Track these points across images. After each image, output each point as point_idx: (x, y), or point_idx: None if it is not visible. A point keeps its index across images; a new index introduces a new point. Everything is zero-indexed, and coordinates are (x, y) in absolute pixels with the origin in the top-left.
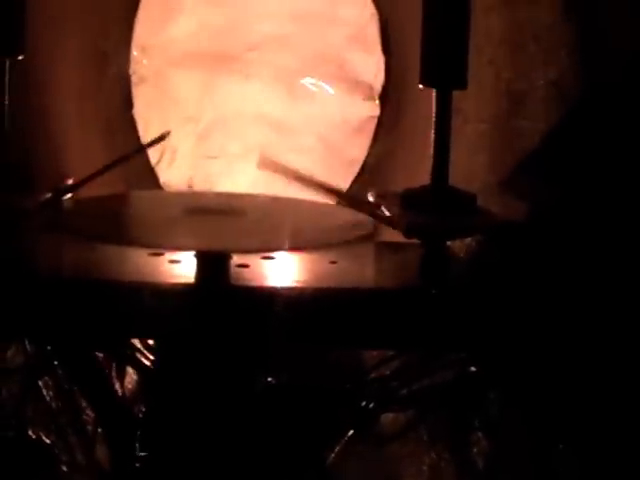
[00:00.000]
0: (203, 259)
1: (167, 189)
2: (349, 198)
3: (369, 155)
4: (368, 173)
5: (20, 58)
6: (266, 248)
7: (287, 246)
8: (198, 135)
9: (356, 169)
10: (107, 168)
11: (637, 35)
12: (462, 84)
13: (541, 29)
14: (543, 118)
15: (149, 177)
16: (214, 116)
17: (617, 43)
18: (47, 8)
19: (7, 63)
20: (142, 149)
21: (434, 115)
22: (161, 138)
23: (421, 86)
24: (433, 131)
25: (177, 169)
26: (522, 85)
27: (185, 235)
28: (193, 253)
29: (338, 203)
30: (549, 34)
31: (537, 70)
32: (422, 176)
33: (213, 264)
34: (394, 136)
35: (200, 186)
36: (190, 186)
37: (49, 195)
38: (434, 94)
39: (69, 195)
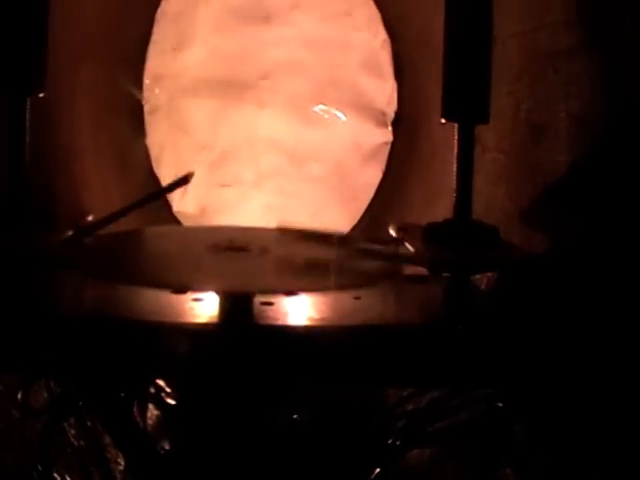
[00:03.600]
0: (227, 298)
1: (180, 217)
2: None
3: (383, 182)
4: (382, 199)
5: (41, 96)
6: (290, 289)
7: (311, 288)
8: (211, 163)
9: (370, 196)
10: (128, 209)
11: None
12: (484, 118)
13: (561, 60)
14: (564, 150)
15: (162, 205)
16: (227, 144)
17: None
18: (62, 42)
19: (28, 101)
20: (165, 191)
21: (456, 149)
22: (185, 180)
23: (443, 120)
24: (455, 165)
25: (190, 197)
26: (542, 116)
27: (208, 275)
28: (216, 292)
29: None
30: (570, 65)
31: (558, 101)
32: (437, 202)
33: (237, 303)
34: (408, 162)
35: (214, 214)
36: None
37: (70, 233)
38: (456, 128)
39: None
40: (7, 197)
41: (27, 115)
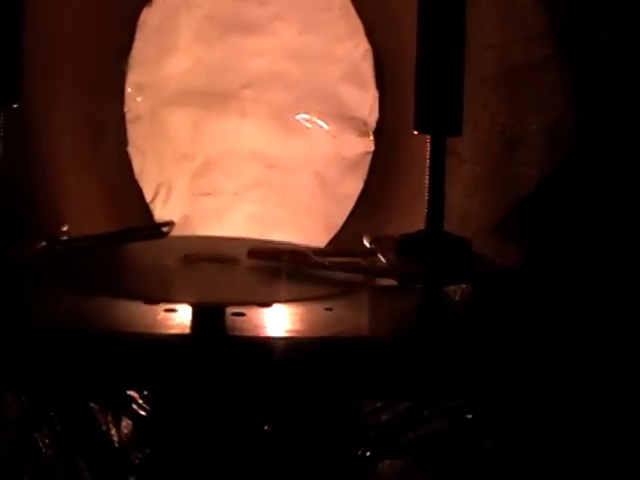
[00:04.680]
0: (199, 310)
1: None
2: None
3: (364, 191)
4: (363, 208)
5: (15, 106)
6: (261, 301)
7: (283, 299)
8: (193, 172)
9: (351, 205)
10: (108, 237)
11: (633, 81)
12: (457, 131)
13: (535, 73)
14: (537, 163)
15: (144, 214)
16: (209, 153)
17: (612, 89)
18: (39, 51)
19: (2, 111)
20: (150, 229)
21: (428, 160)
22: (168, 224)
23: (415, 132)
24: (427, 176)
25: (172, 206)
26: (516, 129)
27: (181, 287)
28: (189, 303)
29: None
30: (543, 78)
31: (531, 115)
32: (419, 212)
33: (209, 315)
34: (389, 172)
35: (195, 223)
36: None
37: (44, 244)
38: (428, 140)
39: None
40: None
41: (1, 125)
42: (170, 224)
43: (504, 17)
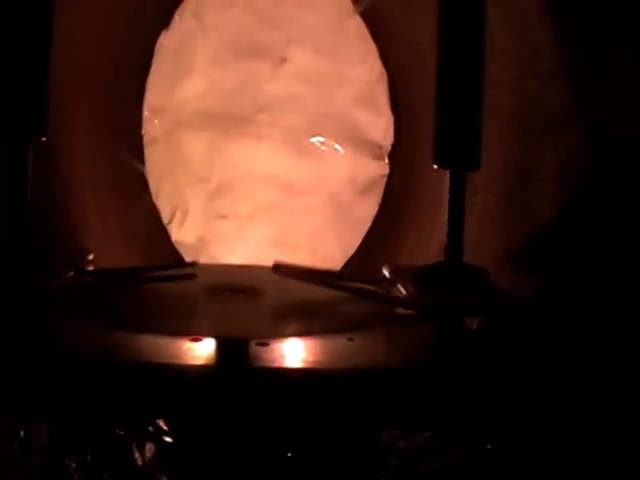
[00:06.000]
0: (223, 342)
1: (179, 247)
2: (365, 292)
3: (379, 214)
4: (378, 231)
5: (43, 140)
6: (285, 334)
7: (306, 332)
8: (208, 195)
9: (366, 228)
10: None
11: None
12: (475, 165)
13: (550, 107)
14: (551, 195)
15: (161, 236)
16: (224, 176)
17: (626, 122)
18: (61, 79)
19: (31, 144)
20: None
21: (448, 194)
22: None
23: (435, 167)
24: (447, 209)
25: (188, 228)
26: (531, 162)
27: (205, 320)
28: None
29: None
30: (558, 112)
31: (546, 148)
32: (431, 235)
33: (233, 347)
34: (403, 195)
35: (211, 245)
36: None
37: (71, 274)
38: (448, 174)
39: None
40: (9, 239)
41: (29, 159)
42: (194, 265)
43: (520, 51)
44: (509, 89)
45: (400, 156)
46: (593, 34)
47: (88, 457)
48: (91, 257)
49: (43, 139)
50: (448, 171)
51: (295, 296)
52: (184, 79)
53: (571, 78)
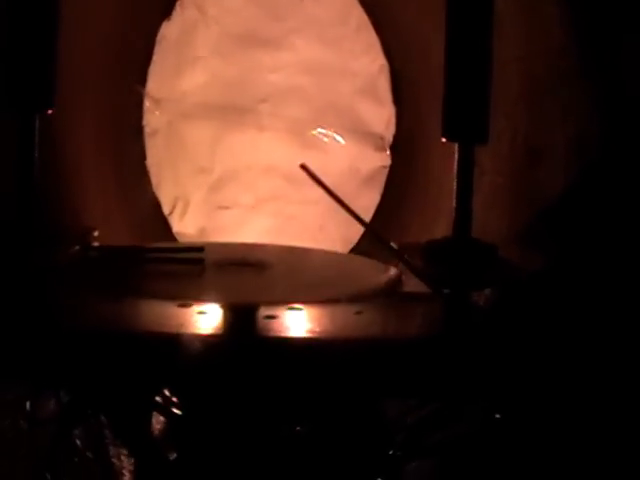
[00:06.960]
0: (231, 311)
1: (180, 238)
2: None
3: (380, 205)
4: (379, 223)
5: (50, 112)
6: (294, 301)
7: (315, 299)
8: (210, 186)
9: (367, 219)
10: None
11: None
12: (483, 138)
13: (558, 84)
14: (561, 173)
15: (162, 227)
16: (226, 167)
17: (636, 99)
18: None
19: (37, 118)
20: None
21: (456, 168)
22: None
23: (443, 139)
24: (455, 183)
25: (189, 219)
26: (539, 140)
27: (213, 288)
28: (220, 304)
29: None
30: (566, 89)
31: (555, 125)
32: (434, 226)
33: (241, 316)
34: (405, 186)
35: (212, 236)
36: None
37: (76, 248)
38: (456, 148)
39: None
40: (16, 212)
41: (36, 132)
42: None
43: (529, 29)
44: (518, 68)
45: (402, 147)
46: (605, 13)
47: (95, 429)
48: (96, 234)
49: (50, 111)
50: (456, 148)
51: (303, 270)
52: (186, 69)
53: (581, 53)
